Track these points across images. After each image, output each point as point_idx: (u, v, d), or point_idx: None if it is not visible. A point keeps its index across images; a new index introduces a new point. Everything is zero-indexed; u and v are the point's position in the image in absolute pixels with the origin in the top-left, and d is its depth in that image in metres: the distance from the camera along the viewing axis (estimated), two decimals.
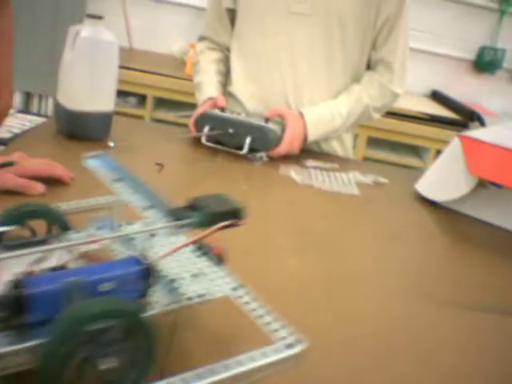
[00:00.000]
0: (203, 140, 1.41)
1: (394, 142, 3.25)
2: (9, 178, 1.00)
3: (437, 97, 3.63)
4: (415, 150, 3.41)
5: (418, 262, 1.06)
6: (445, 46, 3.66)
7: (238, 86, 1.60)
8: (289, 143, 1.42)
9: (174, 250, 0.61)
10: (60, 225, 0.69)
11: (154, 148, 1.36)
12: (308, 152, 1.51)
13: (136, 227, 0.71)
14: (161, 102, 3.21)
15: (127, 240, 0.66)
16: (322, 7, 1.47)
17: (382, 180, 1.41)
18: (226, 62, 1.66)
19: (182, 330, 0.64)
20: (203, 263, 0.65)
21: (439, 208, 1.30)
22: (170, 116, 3.13)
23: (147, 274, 0.56)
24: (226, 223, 0.60)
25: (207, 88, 1.57)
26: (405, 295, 0.89)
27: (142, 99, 3.16)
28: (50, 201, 0.78)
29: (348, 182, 1.36)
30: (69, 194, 1.02)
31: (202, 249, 0.67)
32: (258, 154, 1.38)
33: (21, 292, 0.51)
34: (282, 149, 1.41)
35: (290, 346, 0.55)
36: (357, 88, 1.55)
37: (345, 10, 1.46)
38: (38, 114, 1.89)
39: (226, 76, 1.67)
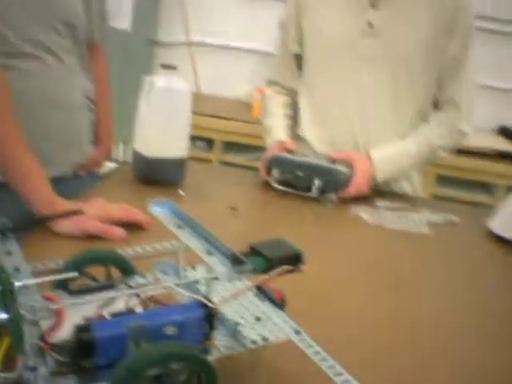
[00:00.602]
0: (273, 184, 1.44)
1: (463, 179, 3.20)
2: (92, 224, 1.04)
3: (505, 132, 3.57)
4: (485, 187, 3.34)
5: (499, 306, 1.01)
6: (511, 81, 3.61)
7: (306, 128, 1.63)
8: (358, 185, 1.42)
9: (236, 295, 0.63)
10: (125, 269, 0.72)
11: (225, 191, 1.39)
12: (378, 192, 1.51)
13: (199, 272, 0.73)
14: (229, 146, 3.26)
15: (191, 285, 0.68)
16: (388, 50, 1.48)
17: (454, 219, 1.40)
18: (293, 105, 1.70)
19: (246, 371, 0.66)
20: (266, 307, 0.66)
21: None
22: (239, 159, 3.18)
23: (210, 318, 0.58)
24: (285, 268, 0.62)
25: (276, 131, 1.61)
26: (485, 343, 0.85)
27: (210, 143, 3.22)
28: (128, 245, 0.82)
29: (419, 221, 1.35)
30: (145, 238, 1.04)
31: (265, 293, 0.68)
32: (328, 196, 1.40)
33: (89, 336, 0.53)
34: (352, 191, 1.42)
35: None
36: (424, 128, 1.56)
37: (411, 52, 1.48)
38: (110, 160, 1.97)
39: (293, 119, 1.70)
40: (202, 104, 3.20)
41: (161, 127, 1.31)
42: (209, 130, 3.10)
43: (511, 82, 3.60)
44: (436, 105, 1.59)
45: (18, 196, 1.06)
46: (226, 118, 3.12)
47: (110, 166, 1.66)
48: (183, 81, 1.33)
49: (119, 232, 1.04)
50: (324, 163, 1.43)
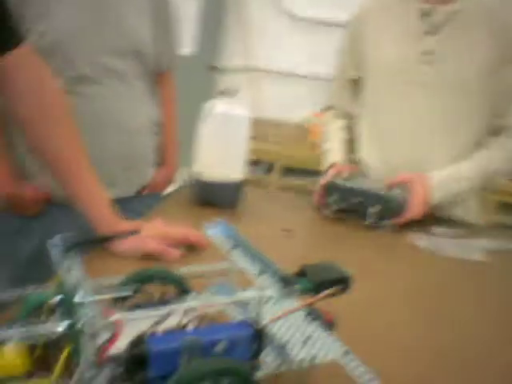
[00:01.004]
0: (328, 213, 1.44)
1: None
2: (149, 244, 1.07)
3: None
4: None
5: None
6: None
7: (364, 152, 1.64)
8: (413, 210, 1.42)
9: (284, 315, 0.64)
10: (180, 288, 0.74)
11: (280, 214, 1.41)
12: (434, 218, 1.50)
13: (250, 293, 0.75)
14: (288, 169, 3.29)
15: (242, 304, 0.70)
16: (445, 76, 1.48)
17: None
18: (350, 129, 1.71)
19: None
20: (315, 328, 0.68)
21: None
22: (297, 183, 3.20)
23: (259, 337, 0.59)
24: (332, 291, 0.63)
25: (332, 155, 1.62)
26: None
27: (269, 167, 3.26)
28: (184, 265, 0.84)
29: (475, 248, 1.34)
30: (201, 258, 1.07)
31: (314, 314, 0.69)
32: (385, 222, 1.40)
33: (143, 349, 0.55)
34: (408, 216, 1.41)
35: None
36: (481, 152, 1.54)
37: (468, 79, 1.47)
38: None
39: (351, 143, 1.70)
40: (261, 129, 3.23)
41: (219, 151, 1.35)
42: (268, 154, 3.13)
43: None
44: (492, 131, 1.57)
45: (79, 215, 1.10)
46: (284, 143, 3.15)
47: (171, 188, 1.70)
48: (242, 106, 1.37)
49: (175, 253, 1.06)
50: (380, 190, 1.43)
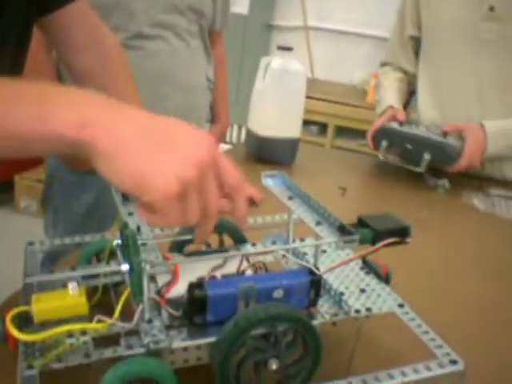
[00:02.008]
0: (381, 156, 1.43)
1: None
2: None
3: None
4: None
5: None
6: None
7: (422, 113, 1.61)
8: (469, 158, 1.38)
9: (341, 264, 0.65)
10: (237, 238, 0.75)
11: (335, 172, 1.41)
12: (491, 180, 1.48)
13: (308, 242, 0.75)
14: (341, 131, 3.26)
15: (299, 254, 0.71)
16: (509, 32, 1.44)
17: None
18: (406, 83, 1.68)
19: (348, 338, 0.69)
20: (371, 279, 0.68)
21: None
22: (350, 144, 3.17)
23: (316, 285, 0.60)
24: (391, 240, 0.62)
25: (387, 99, 1.59)
26: None
27: (323, 127, 3.24)
28: None
29: None
30: (256, 211, 1.07)
31: (370, 266, 0.70)
32: (441, 182, 1.38)
33: (201, 293, 0.56)
34: (462, 164, 1.37)
35: (453, 363, 0.56)
36: None
37: None
38: (225, 142, 2.02)
39: (405, 95, 1.68)
40: (316, 88, 3.21)
41: (275, 107, 1.35)
42: (322, 114, 3.11)
43: None
44: None
45: None
46: (339, 103, 3.12)
47: (224, 147, 1.72)
48: (299, 63, 1.36)
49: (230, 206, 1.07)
50: (435, 136, 1.39)
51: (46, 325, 0.59)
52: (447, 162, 1.37)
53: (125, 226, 0.63)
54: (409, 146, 1.38)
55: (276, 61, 1.33)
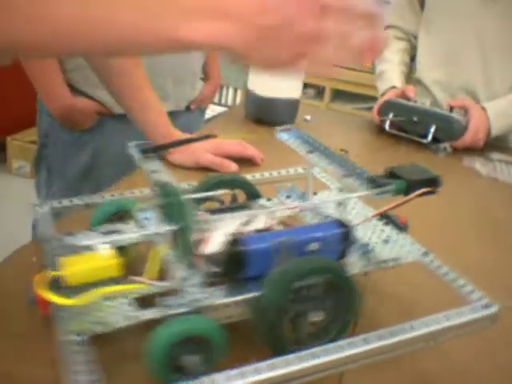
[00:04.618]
0: (387, 127, 1.42)
1: None
2: (206, 156, 1.07)
3: None
4: None
5: None
6: None
7: (424, 72, 1.59)
8: (474, 133, 1.38)
9: (377, 215, 0.67)
10: (251, 193, 0.75)
11: (336, 134, 1.40)
12: (493, 145, 1.46)
13: (331, 194, 0.76)
14: (338, 94, 3.24)
15: (317, 208, 0.71)
16: None
17: None
18: (410, 51, 1.65)
19: (388, 285, 0.71)
20: (390, 230, 0.70)
21: None
22: (347, 108, 3.15)
23: (348, 237, 0.61)
24: (424, 190, 0.63)
25: (390, 77, 1.57)
26: None
27: (320, 90, 3.21)
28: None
29: None
30: (258, 170, 1.07)
31: (389, 218, 0.70)
32: (442, 145, 1.36)
33: (240, 248, 0.56)
34: (467, 139, 1.37)
35: (486, 307, 0.57)
36: None
37: None
38: (220, 104, 1.99)
39: (409, 66, 1.66)
40: None
41: None
42: (319, 77, 3.08)
43: None
44: None
45: (132, 129, 1.10)
46: (337, 66, 3.09)
47: (218, 109, 1.70)
48: None
49: (232, 165, 1.06)
50: (441, 110, 1.40)
51: (76, 288, 0.58)
52: (452, 135, 1.38)
53: (166, 184, 0.63)
54: (415, 119, 1.39)
55: None
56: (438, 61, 1.56)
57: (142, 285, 0.59)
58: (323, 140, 1.22)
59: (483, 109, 1.42)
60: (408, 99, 1.44)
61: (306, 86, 3.11)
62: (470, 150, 1.38)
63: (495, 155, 1.39)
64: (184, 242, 0.58)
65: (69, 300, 0.56)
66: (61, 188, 1.37)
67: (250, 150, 1.11)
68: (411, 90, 1.46)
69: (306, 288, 0.55)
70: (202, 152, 1.07)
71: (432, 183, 0.64)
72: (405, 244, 0.67)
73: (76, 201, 0.78)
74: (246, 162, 1.10)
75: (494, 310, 0.57)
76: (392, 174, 0.64)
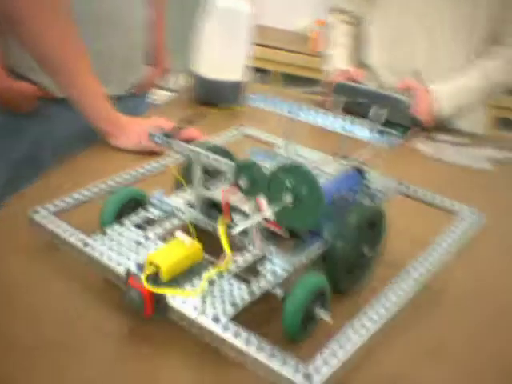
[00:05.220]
0: (332, 108, 1.42)
1: None
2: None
3: None
4: None
5: None
6: None
7: (372, 56, 1.60)
8: (421, 114, 1.39)
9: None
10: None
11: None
12: (438, 127, 1.48)
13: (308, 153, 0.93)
14: (286, 78, 3.24)
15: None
16: None
17: None
18: (357, 35, 1.66)
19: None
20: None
21: None
22: (295, 91, 3.15)
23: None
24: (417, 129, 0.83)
25: (338, 61, 1.58)
26: None
27: (267, 74, 3.21)
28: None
29: (480, 156, 1.32)
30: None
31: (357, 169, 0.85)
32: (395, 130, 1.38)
33: None
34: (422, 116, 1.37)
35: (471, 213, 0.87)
36: (483, 62, 1.51)
37: None
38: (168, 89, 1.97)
39: (356, 50, 1.66)
40: (260, 35, 3.14)
41: (220, 48, 1.32)
42: (266, 61, 3.08)
43: None
44: (496, 40, 1.53)
45: (74, 113, 1.07)
46: (284, 50, 3.09)
47: (165, 94, 1.68)
48: (244, 3, 1.32)
49: None
50: (388, 92, 1.41)
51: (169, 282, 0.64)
52: (400, 117, 1.37)
53: (253, 163, 0.70)
54: (361, 100, 1.39)
55: (221, 1, 1.30)
56: (386, 44, 1.57)
57: (230, 261, 0.66)
58: (271, 123, 1.22)
59: (430, 90, 1.43)
60: (357, 83, 1.44)
61: (254, 69, 3.10)
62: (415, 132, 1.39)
63: (440, 136, 1.41)
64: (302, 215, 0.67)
65: (194, 291, 0.62)
66: (1, 175, 1.33)
67: (194, 132, 1.11)
68: (360, 74, 1.47)
69: (367, 227, 0.73)
70: (145, 135, 1.06)
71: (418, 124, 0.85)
72: (380, 180, 0.83)
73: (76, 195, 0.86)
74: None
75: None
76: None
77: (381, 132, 0.76)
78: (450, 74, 1.48)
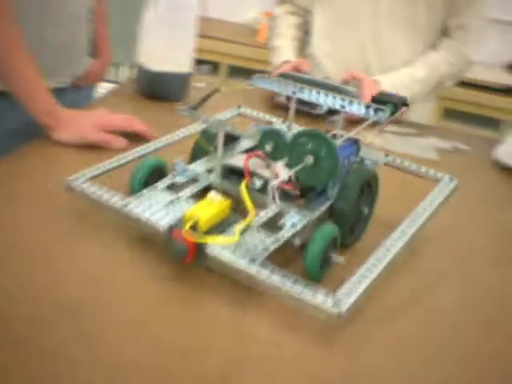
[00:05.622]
0: (279, 99, 1.41)
1: (471, 114, 3.16)
2: (93, 132, 1.03)
3: None
4: (492, 122, 3.30)
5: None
6: None
7: (317, 45, 1.60)
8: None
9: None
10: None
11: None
12: None
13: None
14: (234, 70, 3.23)
15: None
16: None
17: (463, 146, 1.37)
18: (304, 26, 1.65)
19: None
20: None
21: None
22: (244, 84, 3.13)
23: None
24: (404, 110, 0.93)
25: (284, 52, 1.57)
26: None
27: (215, 67, 3.19)
28: (132, 156, 0.82)
29: (427, 146, 1.33)
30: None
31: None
32: (336, 117, 1.37)
33: None
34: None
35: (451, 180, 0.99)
36: (432, 54, 1.52)
37: None
38: (110, 81, 1.93)
39: (302, 41, 1.66)
40: (208, 27, 3.13)
41: (165, 40, 1.30)
42: (214, 53, 3.06)
43: None
44: (445, 32, 1.55)
45: (18, 105, 1.04)
46: (231, 42, 3.07)
47: (108, 86, 1.65)
48: None
49: (121, 142, 1.03)
50: (334, 82, 1.40)
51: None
52: None
53: (276, 130, 0.79)
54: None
55: None
56: (332, 35, 1.57)
57: (254, 215, 0.74)
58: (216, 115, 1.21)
59: (376, 81, 1.44)
60: (302, 73, 1.43)
61: (201, 62, 3.08)
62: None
63: (387, 127, 1.42)
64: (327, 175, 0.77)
65: (232, 238, 0.70)
66: None
67: (139, 125, 1.08)
68: (305, 64, 1.46)
69: (366, 188, 0.87)
70: (89, 128, 1.04)
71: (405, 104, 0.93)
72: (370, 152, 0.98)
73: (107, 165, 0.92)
74: (135, 137, 1.07)
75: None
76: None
77: (374, 109, 0.88)
78: (397, 64, 1.49)
